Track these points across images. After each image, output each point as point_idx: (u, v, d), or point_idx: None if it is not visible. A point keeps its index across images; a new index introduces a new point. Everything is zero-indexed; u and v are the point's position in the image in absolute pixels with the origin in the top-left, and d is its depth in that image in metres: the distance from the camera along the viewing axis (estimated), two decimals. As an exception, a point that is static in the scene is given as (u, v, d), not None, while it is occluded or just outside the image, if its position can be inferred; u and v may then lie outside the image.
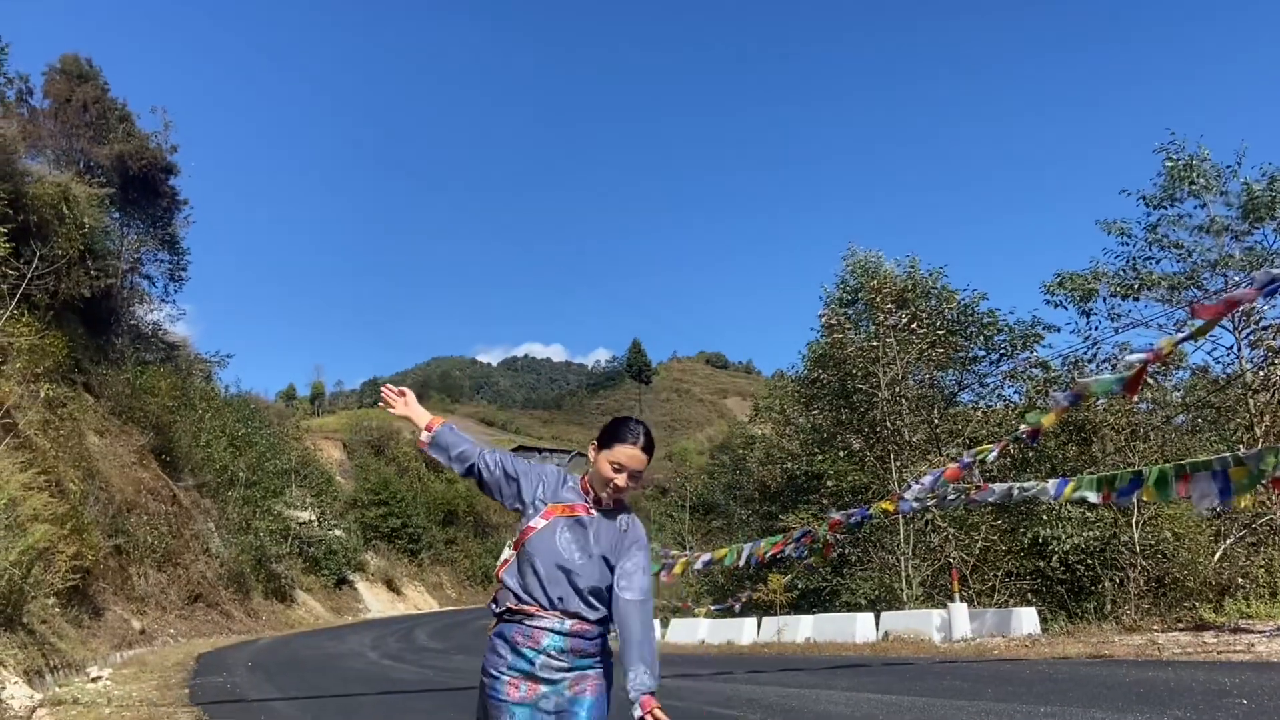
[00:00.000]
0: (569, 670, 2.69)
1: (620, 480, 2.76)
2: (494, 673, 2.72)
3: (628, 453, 2.76)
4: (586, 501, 2.82)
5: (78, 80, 33.84)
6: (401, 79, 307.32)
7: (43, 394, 20.16)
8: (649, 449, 2.82)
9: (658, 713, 2.52)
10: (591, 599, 2.73)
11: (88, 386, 27.89)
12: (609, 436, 2.80)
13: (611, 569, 2.76)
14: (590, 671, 2.72)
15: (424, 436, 3.06)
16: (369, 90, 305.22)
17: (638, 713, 2.54)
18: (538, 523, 2.78)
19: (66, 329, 25.00)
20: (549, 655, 2.68)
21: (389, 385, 3.24)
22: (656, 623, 24.62)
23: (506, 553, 2.86)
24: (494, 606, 2.83)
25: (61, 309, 25.44)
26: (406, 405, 3.17)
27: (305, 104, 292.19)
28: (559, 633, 2.69)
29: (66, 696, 10.64)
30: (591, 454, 2.86)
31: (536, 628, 2.70)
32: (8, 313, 17.33)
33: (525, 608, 2.72)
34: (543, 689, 2.67)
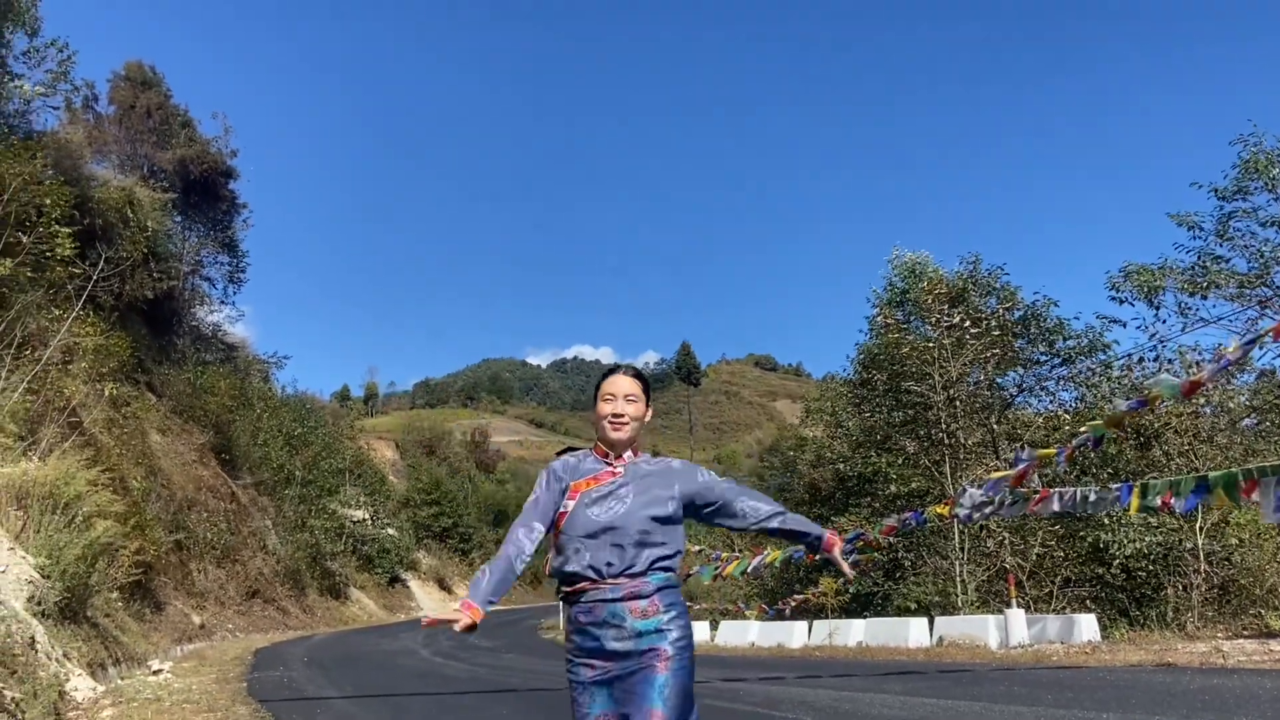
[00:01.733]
0: (637, 637, 2.61)
1: (616, 407, 2.79)
2: (570, 657, 2.73)
3: (613, 381, 2.84)
4: (609, 463, 2.82)
5: (141, 87, 34.70)
6: (453, 83, 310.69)
7: (107, 393, 20.66)
8: (639, 378, 2.88)
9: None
10: (641, 547, 2.66)
11: (150, 386, 28.57)
12: (596, 386, 2.90)
13: (666, 502, 2.72)
14: (661, 643, 2.61)
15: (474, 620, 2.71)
16: (423, 97, 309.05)
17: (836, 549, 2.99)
18: (567, 505, 2.77)
19: (130, 329, 25.62)
20: (611, 625, 2.62)
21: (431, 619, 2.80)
22: (705, 625, 24.68)
23: (551, 550, 2.86)
24: (558, 594, 2.84)
25: (126, 310, 26.08)
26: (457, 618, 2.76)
27: (360, 110, 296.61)
28: (614, 599, 2.63)
29: (128, 689, 10.86)
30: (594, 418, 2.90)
31: (593, 601, 2.66)
32: (74, 313, 17.76)
33: (579, 585, 2.69)
34: (614, 668, 2.62)
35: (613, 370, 2.90)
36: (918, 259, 25.26)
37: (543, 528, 2.80)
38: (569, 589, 2.72)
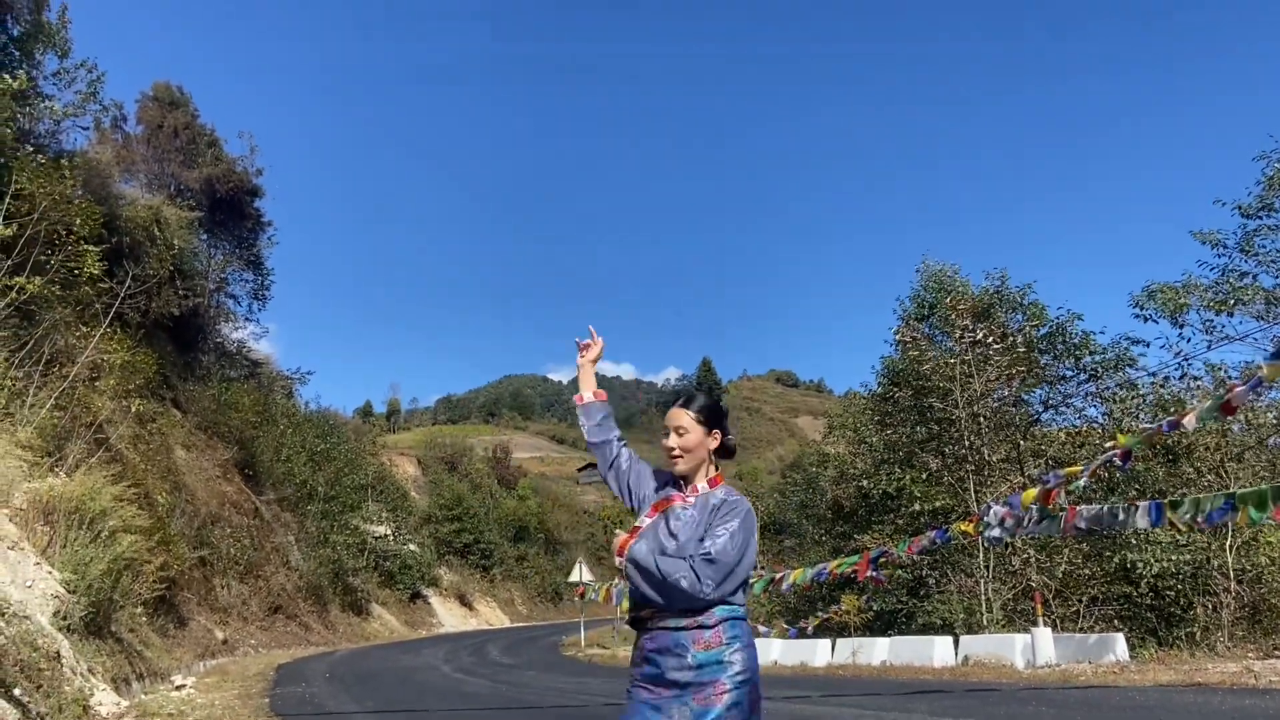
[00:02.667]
0: (698, 668, 2.59)
1: (666, 441, 2.84)
2: (631, 687, 2.74)
3: (669, 414, 2.89)
4: (684, 490, 2.84)
5: (169, 107, 35.19)
6: (475, 98, 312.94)
7: (133, 409, 20.85)
8: (695, 407, 2.86)
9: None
10: None
11: (175, 402, 28.82)
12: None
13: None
14: (720, 675, 2.57)
15: (587, 396, 3.18)
16: (447, 113, 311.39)
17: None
18: (643, 521, 2.80)
19: (156, 346, 25.87)
20: (673, 654, 2.61)
21: (592, 335, 3.28)
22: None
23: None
24: (627, 621, 2.88)
25: (152, 327, 26.34)
26: (590, 361, 3.27)
27: (382, 127, 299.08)
28: (678, 629, 2.63)
29: (152, 704, 10.90)
30: None
31: (658, 628, 2.66)
32: (102, 330, 17.96)
33: (642, 613, 2.71)
34: (670, 696, 2.61)
35: (674, 399, 2.94)
36: (945, 271, 25.09)
37: (627, 478, 2.95)
38: (635, 614, 2.76)
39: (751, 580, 2.91)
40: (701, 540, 2.67)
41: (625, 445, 3.06)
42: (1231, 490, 10.35)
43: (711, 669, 2.59)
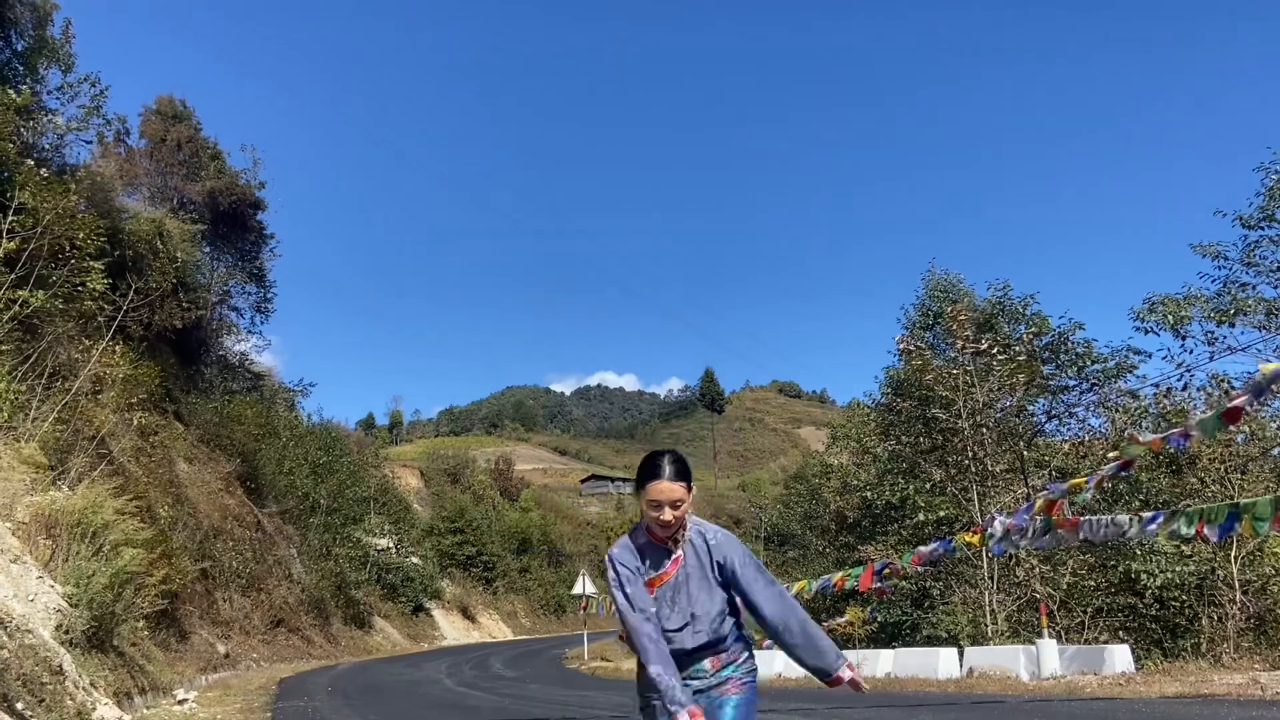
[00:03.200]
0: (714, 678, 2.91)
1: (663, 516, 2.84)
2: (648, 696, 2.87)
3: (658, 489, 2.83)
4: (669, 550, 2.94)
5: (172, 120, 35.30)
6: (476, 111, 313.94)
7: (136, 422, 20.86)
8: (679, 474, 2.84)
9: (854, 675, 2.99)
10: (715, 629, 2.90)
11: (178, 415, 28.82)
12: (640, 479, 2.89)
13: (721, 585, 2.93)
14: (735, 673, 2.93)
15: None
16: (443, 124, 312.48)
17: (846, 675, 2.96)
18: (648, 606, 2.95)
19: (159, 359, 25.88)
20: (693, 677, 2.89)
21: None
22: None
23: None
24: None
25: (154, 340, 26.37)
26: None
27: (384, 139, 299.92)
28: (693, 650, 2.89)
29: (154, 718, 10.86)
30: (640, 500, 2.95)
31: (676, 653, 2.86)
32: (104, 344, 17.98)
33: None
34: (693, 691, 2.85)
35: (655, 470, 2.85)
36: (950, 280, 25.11)
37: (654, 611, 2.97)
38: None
39: None
40: (715, 582, 2.92)
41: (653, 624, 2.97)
42: (1236, 501, 10.30)
43: (727, 671, 2.92)
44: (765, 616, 2.90)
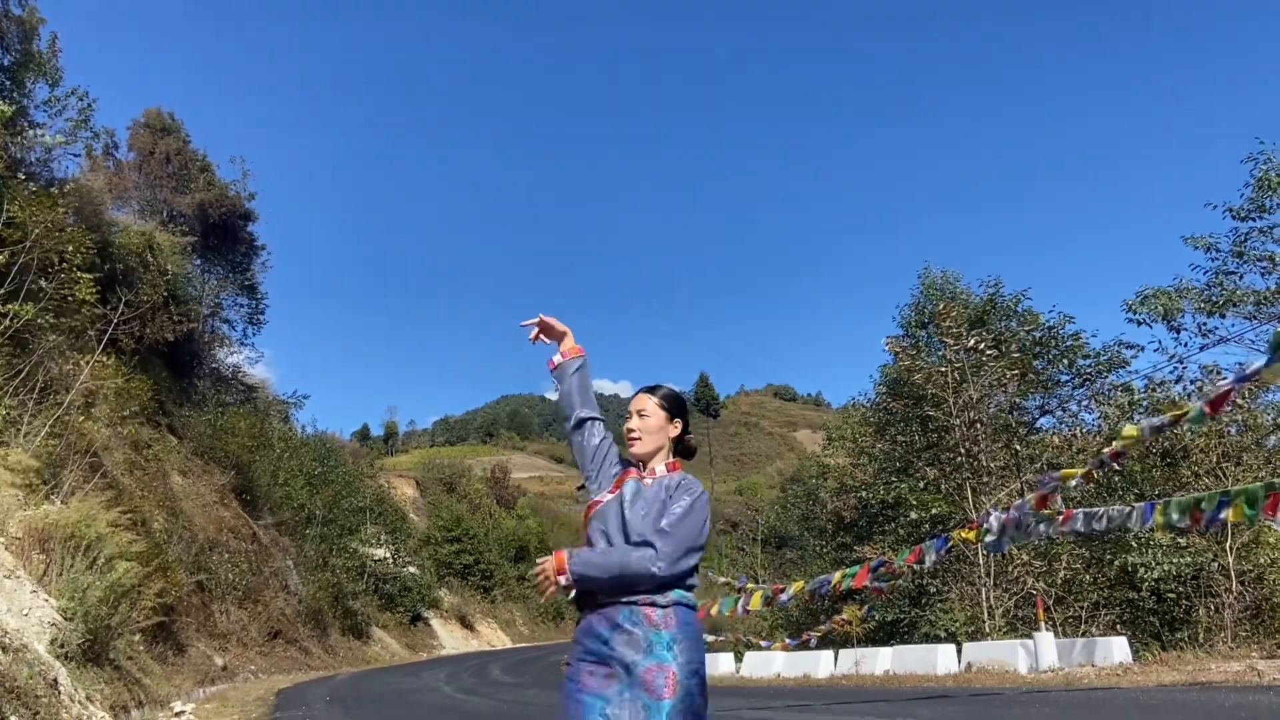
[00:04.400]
0: (647, 649, 2.55)
1: (628, 423, 2.91)
2: (573, 661, 2.69)
3: (633, 400, 2.97)
4: (641, 476, 2.87)
5: (161, 133, 35.24)
6: (471, 120, 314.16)
7: (129, 436, 20.80)
8: (659, 394, 2.94)
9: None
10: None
11: (171, 428, 28.73)
12: None
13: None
14: (670, 664, 2.53)
15: (556, 358, 3.15)
16: (432, 130, 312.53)
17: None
18: (603, 496, 2.85)
19: (151, 372, 25.81)
20: (624, 630, 2.58)
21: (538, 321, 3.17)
22: (730, 656, 24.39)
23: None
24: (572, 601, 2.78)
25: (146, 353, 26.29)
26: (550, 333, 3.18)
27: (373, 147, 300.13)
28: (629, 603, 2.62)
29: (151, 730, 10.81)
30: None
31: (609, 603, 2.65)
32: (95, 357, 17.94)
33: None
34: (618, 682, 2.54)
35: (637, 391, 3.02)
36: (946, 278, 25.20)
37: (593, 448, 2.95)
38: (585, 590, 2.70)
39: (698, 568, 2.85)
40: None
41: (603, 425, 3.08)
42: (1227, 490, 10.34)
43: (660, 652, 2.55)
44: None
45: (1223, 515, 8.55)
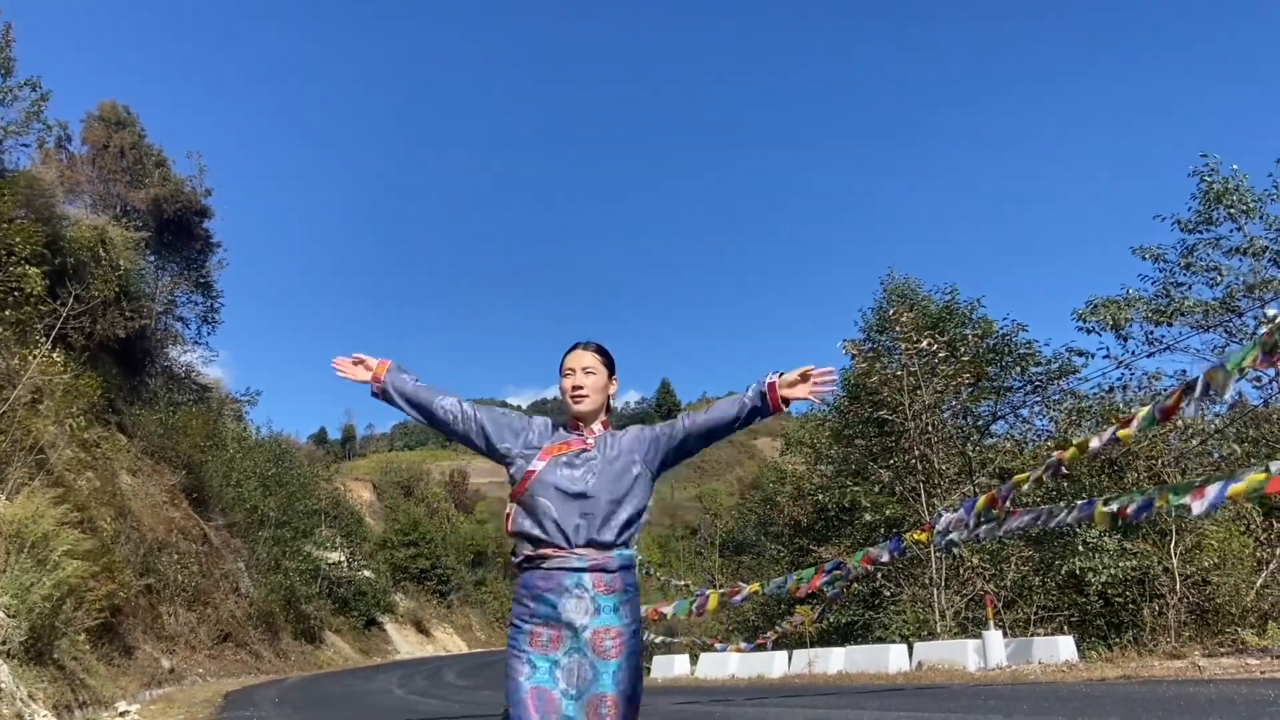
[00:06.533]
0: (594, 612, 2.59)
1: (574, 380, 2.82)
2: (516, 623, 2.66)
3: (572, 356, 2.86)
4: (581, 434, 2.81)
5: (115, 127, 34.68)
6: (429, 122, 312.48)
7: (77, 433, 20.39)
8: (599, 350, 2.89)
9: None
10: (611, 520, 2.67)
11: (121, 426, 28.24)
12: (561, 362, 2.88)
13: (631, 467, 2.75)
14: (616, 624, 2.59)
15: (374, 387, 2.98)
16: (399, 134, 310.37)
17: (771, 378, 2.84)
18: (536, 465, 2.73)
19: (101, 369, 25.37)
20: (572, 594, 2.60)
21: (342, 360, 3.02)
22: (685, 657, 24.47)
23: (509, 507, 2.80)
24: (514, 558, 2.78)
25: (96, 350, 25.83)
26: (359, 371, 3.01)
27: (336, 147, 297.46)
28: (578, 569, 2.62)
29: (94, 728, 10.64)
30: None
31: (556, 569, 2.63)
32: (43, 353, 17.60)
33: (543, 550, 2.66)
34: (566, 643, 2.58)
35: (573, 347, 2.90)
36: (908, 284, 25.55)
37: (475, 425, 2.87)
38: (530, 553, 2.68)
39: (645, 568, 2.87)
40: (629, 473, 2.73)
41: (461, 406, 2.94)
42: (1159, 486, 10.66)
43: (608, 615, 2.60)
44: (713, 416, 2.87)
45: (1150, 508, 8.81)
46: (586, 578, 2.61)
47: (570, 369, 2.84)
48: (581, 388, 2.82)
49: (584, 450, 2.76)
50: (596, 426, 2.84)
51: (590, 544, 2.64)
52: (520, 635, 2.62)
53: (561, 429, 2.86)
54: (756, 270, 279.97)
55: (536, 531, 2.67)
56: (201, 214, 36.48)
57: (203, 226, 36.75)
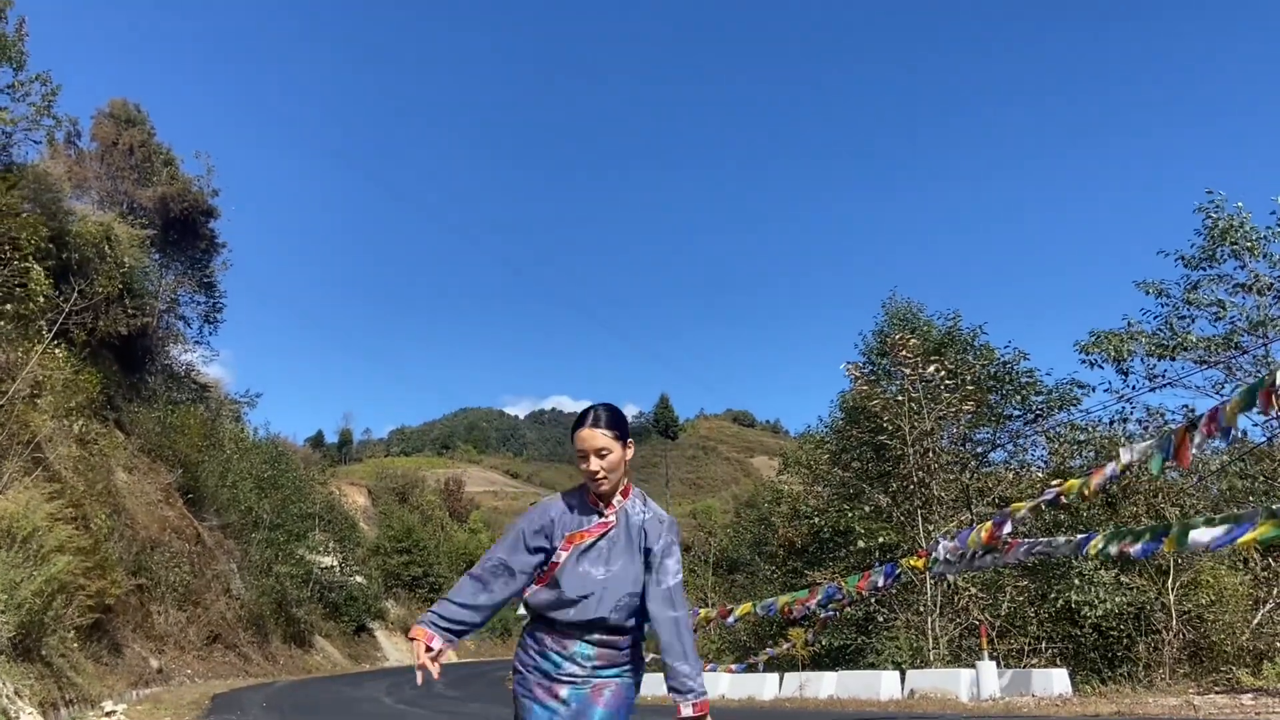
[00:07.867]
0: (593, 677, 2.76)
1: (589, 466, 2.76)
2: (521, 669, 2.82)
3: (581, 436, 2.78)
4: (601, 512, 2.82)
5: (125, 124, 34.79)
6: (435, 129, 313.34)
7: (74, 429, 20.35)
8: (610, 424, 2.78)
9: None
10: (622, 610, 2.77)
11: (119, 423, 28.20)
12: (571, 432, 2.83)
13: (646, 566, 2.79)
14: (615, 680, 2.78)
15: (447, 645, 2.80)
16: (405, 141, 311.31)
17: (689, 713, 2.63)
18: (560, 555, 2.79)
19: (101, 366, 25.35)
20: (575, 662, 2.75)
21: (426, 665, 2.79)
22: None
23: (531, 588, 2.83)
24: (522, 613, 2.88)
25: (98, 346, 25.82)
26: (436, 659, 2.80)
27: (342, 152, 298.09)
28: (589, 642, 2.76)
29: (79, 728, 10.57)
30: None
31: (567, 635, 2.77)
32: (44, 347, 17.57)
33: (557, 617, 2.78)
34: (564, 692, 2.74)
35: (582, 420, 2.82)
36: (910, 308, 25.52)
37: (522, 581, 2.80)
38: (546, 615, 2.80)
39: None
40: (649, 559, 2.79)
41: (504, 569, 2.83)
42: (1157, 525, 10.59)
43: (608, 674, 2.77)
44: (652, 614, 2.74)
45: (1156, 547, 8.74)
46: (595, 651, 2.76)
47: (583, 452, 2.78)
48: (599, 473, 2.78)
49: (605, 533, 2.81)
50: (617, 499, 2.85)
51: (603, 627, 2.76)
52: (527, 681, 2.79)
53: (582, 505, 2.86)
54: (759, 283, 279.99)
55: (554, 614, 2.78)
56: (208, 214, 36.55)
57: (208, 226, 36.82)
